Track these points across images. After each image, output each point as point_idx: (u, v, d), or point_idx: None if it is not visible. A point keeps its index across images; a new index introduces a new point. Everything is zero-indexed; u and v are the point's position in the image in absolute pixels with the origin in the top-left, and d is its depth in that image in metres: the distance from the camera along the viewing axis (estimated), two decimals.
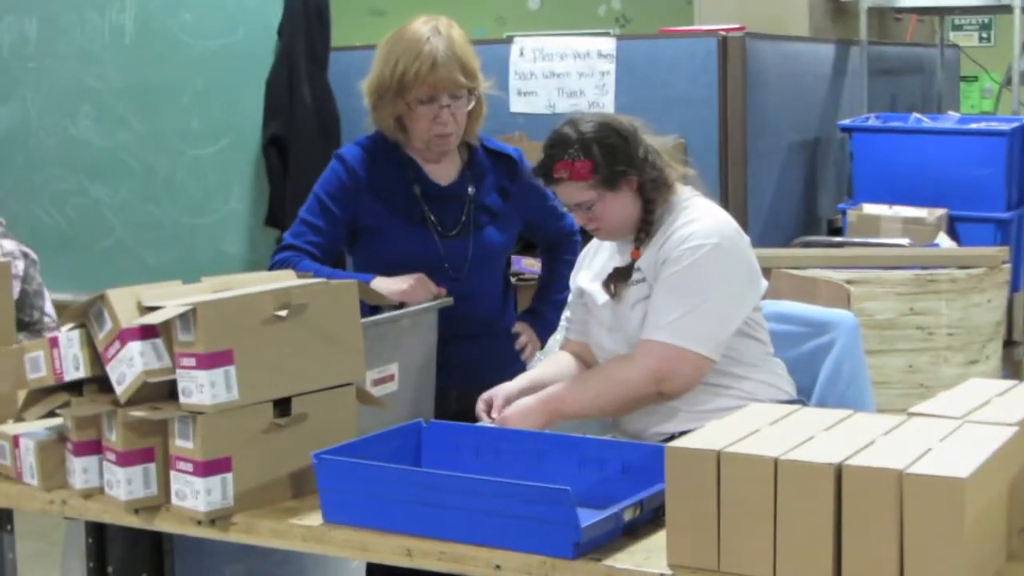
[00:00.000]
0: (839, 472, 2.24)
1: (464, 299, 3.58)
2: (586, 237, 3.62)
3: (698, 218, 3.30)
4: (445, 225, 3.64)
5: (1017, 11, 7.34)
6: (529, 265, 5.87)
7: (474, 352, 3.66)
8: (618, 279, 3.35)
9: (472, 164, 3.72)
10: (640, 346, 3.25)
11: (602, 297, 3.40)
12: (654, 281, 3.28)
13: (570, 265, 3.90)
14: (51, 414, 2.98)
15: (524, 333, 3.80)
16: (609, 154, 3.28)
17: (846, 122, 6.99)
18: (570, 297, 3.60)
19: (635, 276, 3.32)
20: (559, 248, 3.95)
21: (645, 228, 3.34)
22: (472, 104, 3.60)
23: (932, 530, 2.17)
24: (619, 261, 3.40)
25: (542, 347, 3.88)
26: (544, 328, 3.88)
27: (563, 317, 3.67)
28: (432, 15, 3.63)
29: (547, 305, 3.92)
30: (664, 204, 3.35)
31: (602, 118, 3.35)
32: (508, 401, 3.35)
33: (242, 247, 6.81)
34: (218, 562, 3.42)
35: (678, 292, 3.23)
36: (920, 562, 2.18)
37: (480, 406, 3.37)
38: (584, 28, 7.09)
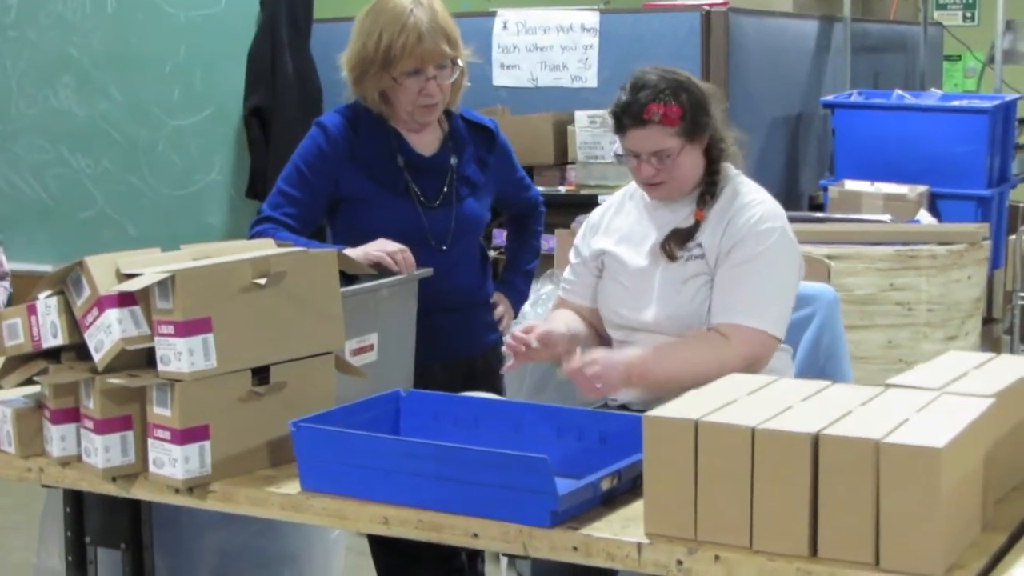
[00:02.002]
0: (816, 442, 2.24)
1: (449, 271, 3.57)
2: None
3: (759, 200, 3.35)
4: (427, 196, 3.63)
5: None
6: None
7: (459, 324, 3.66)
8: (678, 240, 3.34)
9: (453, 135, 3.71)
10: (735, 331, 3.23)
11: (636, 263, 3.39)
12: (715, 261, 3.28)
13: (538, 236, 3.92)
14: (29, 381, 2.97)
15: (501, 303, 3.81)
16: (695, 104, 3.30)
17: (829, 98, 6.99)
18: (574, 258, 3.58)
19: (694, 251, 3.32)
20: (527, 218, 3.96)
21: (710, 189, 3.35)
22: (456, 74, 3.59)
23: (908, 500, 2.18)
24: (654, 225, 3.39)
25: (515, 316, 3.88)
26: (517, 298, 3.88)
27: (563, 279, 3.64)
28: None
29: (519, 275, 3.93)
30: (722, 170, 3.37)
31: (682, 73, 3.37)
32: (553, 339, 3.31)
33: (223, 218, 6.80)
34: (196, 531, 3.41)
35: (758, 276, 3.25)
36: (896, 532, 2.19)
37: (512, 341, 3.29)
38: (570, 3, 7.07)
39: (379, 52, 3.51)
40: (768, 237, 3.28)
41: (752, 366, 3.20)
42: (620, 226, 3.48)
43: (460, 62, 3.59)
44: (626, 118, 3.29)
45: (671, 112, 3.26)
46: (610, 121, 3.36)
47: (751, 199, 3.34)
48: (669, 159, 3.28)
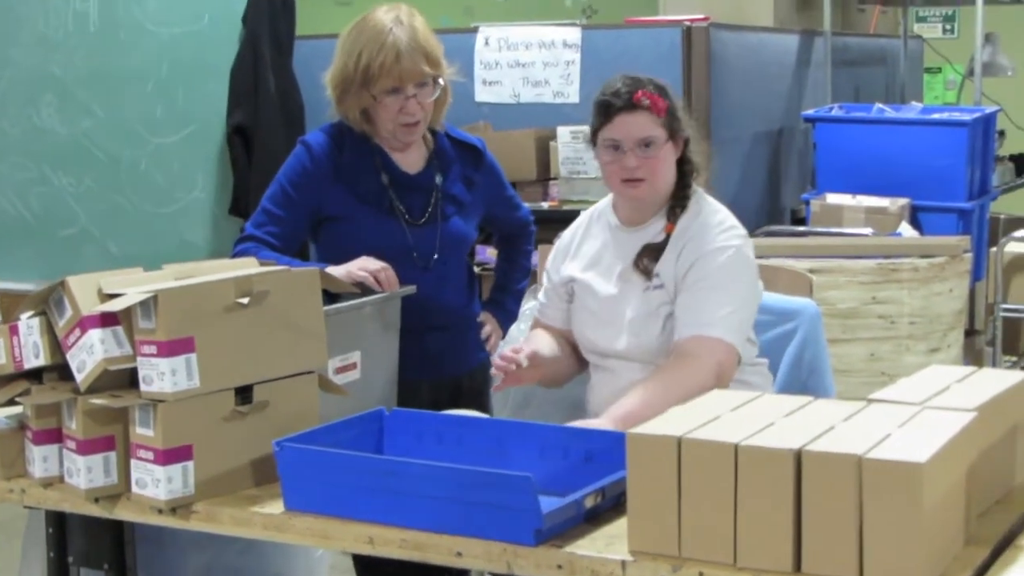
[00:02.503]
0: (799, 458, 2.25)
1: (435, 289, 3.57)
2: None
3: (716, 222, 3.37)
4: (413, 214, 3.62)
5: (979, 2, 7.36)
6: (494, 255, 5.86)
7: (446, 343, 3.65)
8: (651, 255, 3.35)
9: (438, 153, 3.71)
10: (698, 343, 3.22)
11: (606, 291, 3.39)
12: (674, 288, 3.30)
13: (528, 255, 3.91)
14: (11, 402, 2.96)
15: (488, 323, 3.81)
16: (675, 106, 3.36)
17: (810, 112, 7.00)
18: (546, 282, 3.59)
19: (654, 281, 3.33)
20: (517, 238, 3.96)
21: (681, 202, 3.37)
22: (438, 92, 3.59)
23: (891, 515, 2.18)
24: (621, 250, 3.40)
25: (503, 336, 3.88)
26: (506, 318, 3.88)
27: (537, 300, 3.65)
28: (394, 4, 3.61)
29: (508, 295, 3.93)
30: (692, 185, 3.40)
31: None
32: (540, 359, 3.33)
33: (206, 236, 6.78)
34: (180, 551, 3.41)
35: (715, 291, 3.26)
36: (879, 547, 2.19)
37: (500, 361, 3.28)
38: (551, 19, 7.07)
39: (358, 71, 3.52)
40: (721, 255, 3.29)
41: (722, 377, 3.19)
42: (587, 251, 3.48)
43: (442, 81, 3.59)
44: (616, 101, 3.31)
45: (659, 101, 3.30)
46: (591, 118, 3.38)
47: (708, 221, 3.35)
48: (652, 150, 3.29)
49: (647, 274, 3.33)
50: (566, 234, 3.58)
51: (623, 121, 3.31)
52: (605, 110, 3.33)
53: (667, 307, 3.30)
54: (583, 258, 3.48)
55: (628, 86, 3.32)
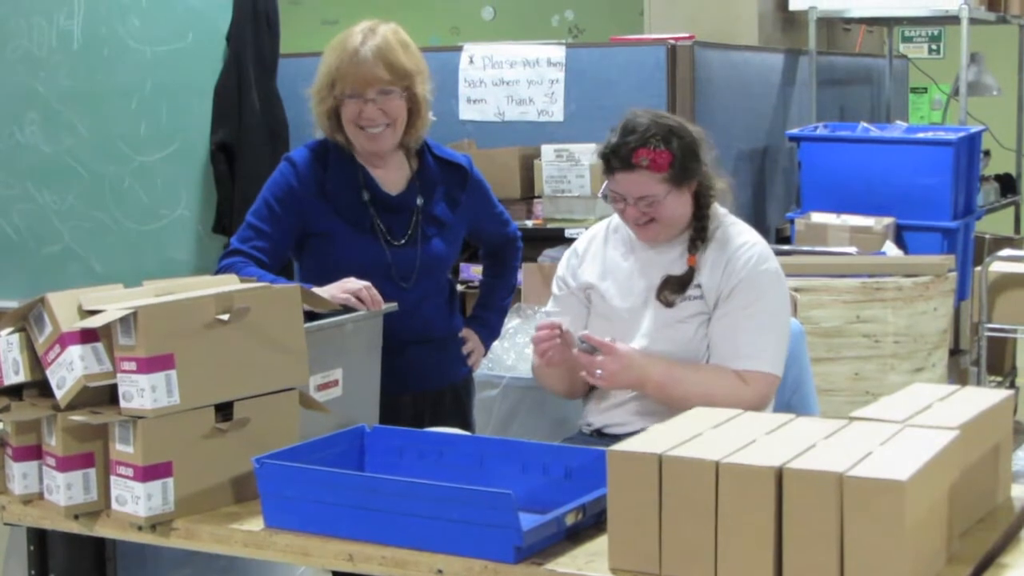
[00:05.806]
0: (780, 475, 2.24)
1: (412, 308, 3.56)
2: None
3: (752, 240, 3.41)
4: (393, 234, 3.63)
5: (964, 22, 7.38)
6: (478, 273, 5.86)
7: (425, 358, 3.65)
8: (673, 288, 3.37)
9: (421, 173, 3.71)
10: (750, 376, 3.30)
11: (624, 303, 3.40)
12: (715, 301, 3.33)
13: (515, 271, 3.91)
14: None
15: (470, 339, 3.80)
16: (686, 151, 3.33)
17: (794, 131, 7.01)
18: (558, 290, 3.59)
19: (693, 292, 3.34)
20: (504, 254, 3.95)
21: (700, 235, 3.38)
22: (402, 102, 3.58)
23: (873, 533, 2.17)
24: (640, 263, 3.41)
25: (486, 353, 3.87)
26: (489, 333, 3.88)
27: (546, 313, 3.64)
28: (379, 20, 3.63)
29: (492, 311, 3.92)
30: (711, 214, 3.41)
31: (672, 117, 3.41)
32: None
33: (190, 254, 6.76)
34: (161, 568, 3.39)
35: (765, 320, 3.33)
36: (861, 565, 2.19)
37: (544, 334, 3.32)
38: (538, 39, 7.07)
39: (327, 76, 3.55)
40: (767, 278, 3.34)
41: (758, 407, 3.27)
42: (604, 259, 3.49)
43: (417, 93, 3.58)
44: (614, 160, 3.31)
45: (660, 158, 3.27)
46: (597, 162, 3.37)
47: (745, 239, 3.39)
48: (652, 206, 3.31)
49: (669, 305, 3.34)
50: (580, 242, 3.60)
51: (622, 179, 3.33)
52: (606, 165, 3.35)
53: (702, 317, 3.35)
54: (599, 265, 3.49)
55: (631, 141, 3.29)
